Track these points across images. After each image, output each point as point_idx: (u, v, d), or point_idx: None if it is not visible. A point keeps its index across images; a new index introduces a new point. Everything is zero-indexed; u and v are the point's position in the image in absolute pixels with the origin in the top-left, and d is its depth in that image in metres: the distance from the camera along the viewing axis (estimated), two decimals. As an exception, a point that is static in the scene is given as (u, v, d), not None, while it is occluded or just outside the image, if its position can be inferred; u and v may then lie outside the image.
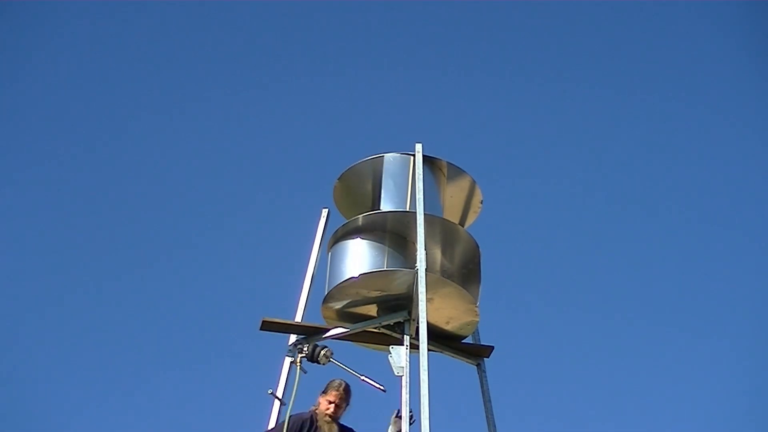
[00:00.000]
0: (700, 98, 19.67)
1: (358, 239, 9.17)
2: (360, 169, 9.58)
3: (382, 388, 8.90)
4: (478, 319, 9.20)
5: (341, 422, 8.74)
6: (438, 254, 9.11)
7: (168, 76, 19.89)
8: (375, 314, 9.10)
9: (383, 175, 9.50)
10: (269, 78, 20.17)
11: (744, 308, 17.33)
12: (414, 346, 8.75)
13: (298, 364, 8.94)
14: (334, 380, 8.78)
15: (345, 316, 9.16)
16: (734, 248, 18.67)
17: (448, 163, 9.59)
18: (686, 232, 19.26)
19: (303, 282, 9.52)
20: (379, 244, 9.13)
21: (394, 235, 9.16)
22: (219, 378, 17.02)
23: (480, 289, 9.14)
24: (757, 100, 17.21)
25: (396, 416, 8.83)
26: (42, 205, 18.95)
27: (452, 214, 9.61)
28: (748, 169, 18.65)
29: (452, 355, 9.30)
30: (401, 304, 8.97)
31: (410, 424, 8.51)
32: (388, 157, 9.54)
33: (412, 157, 9.47)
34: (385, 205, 9.34)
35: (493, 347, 9.38)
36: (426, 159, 9.48)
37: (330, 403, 8.73)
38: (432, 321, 8.82)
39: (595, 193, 19.58)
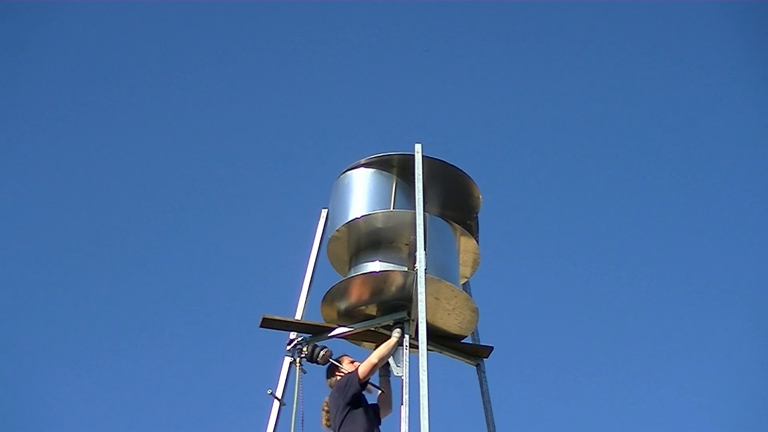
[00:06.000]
0: (700, 98, 19.68)
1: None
2: (360, 168, 9.57)
3: (382, 389, 8.91)
4: (477, 320, 9.19)
5: None
6: (439, 254, 9.09)
7: (167, 76, 19.89)
8: (375, 313, 9.10)
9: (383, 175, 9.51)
10: (269, 78, 20.18)
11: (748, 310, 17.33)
12: (413, 347, 8.75)
13: (298, 364, 8.96)
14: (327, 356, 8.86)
15: (344, 316, 9.16)
16: (736, 253, 18.67)
17: (447, 163, 9.56)
18: (689, 233, 19.27)
19: (302, 282, 9.52)
20: (377, 244, 9.17)
21: (389, 235, 9.18)
22: (218, 378, 17.02)
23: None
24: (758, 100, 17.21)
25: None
26: (40, 203, 18.96)
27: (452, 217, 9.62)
28: (749, 170, 18.66)
29: (451, 355, 9.30)
30: (401, 305, 8.97)
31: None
32: (389, 156, 9.54)
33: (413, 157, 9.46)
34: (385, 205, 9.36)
35: (492, 347, 9.38)
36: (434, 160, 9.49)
37: (352, 362, 8.87)
38: (431, 321, 8.81)
39: (596, 193, 19.58)
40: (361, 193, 9.36)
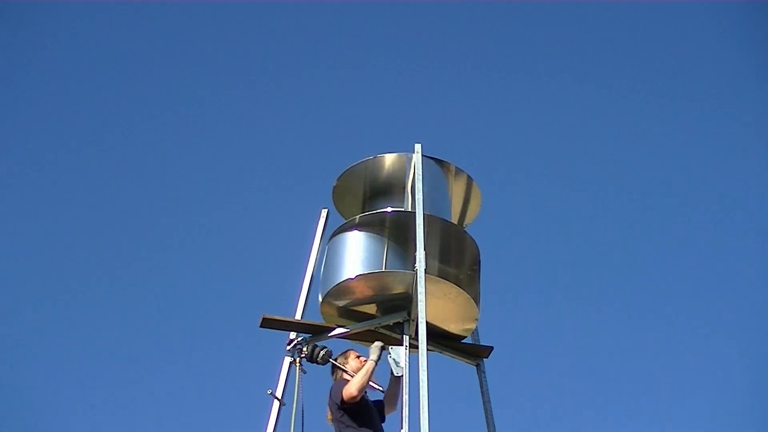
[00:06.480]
0: (700, 98, 19.69)
1: (357, 237, 9.17)
2: (360, 169, 9.59)
3: (380, 388, 8.92)
4: (477, 320, 9.20)
5: None
6: (438, 255, 9.09)
7: (167, 75, 19.90)
8: (375, 312, 9.11)
9: (385, 175, 9.51)
10: (269, 78, 20.18)
11: (747, 315, 17.33)
12: (413, 347, 8.76)
13: (298, 364, 8.96)
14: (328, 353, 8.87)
15: (344, 315, 9.16)
16: (735, 250, 18.67)
17: (446, 163, 9.58)
18: (686, 232, 19.28)
19: (302, 282, 9.52)
20: (378, 244, 9.14)
21: (394, 235, 9.16)
22: (218, 377, 17.03)
23: (479, 290, 9.15)
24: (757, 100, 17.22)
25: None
26: (40, 203, 18.96)
27: (453, 215, 9.61)
28: (748, 169, 18.67)
29: (451, 355, 9.31)
30: (401, 305, 8.98)
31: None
32: (391, 156, 9.54)
33: (412, 157, 9.46)
34: (385, 205, 9.36)
35: (492, 348, 9.38)
36: (435, 160, 9.47)
37: (358, 357, 8.86)
38: (431, 321, 8.82)
39: (596, 192, 19.59)
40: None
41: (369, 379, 8.65)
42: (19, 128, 18.63)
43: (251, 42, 20.13)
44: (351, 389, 8.53)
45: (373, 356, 8.71)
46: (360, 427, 8.53)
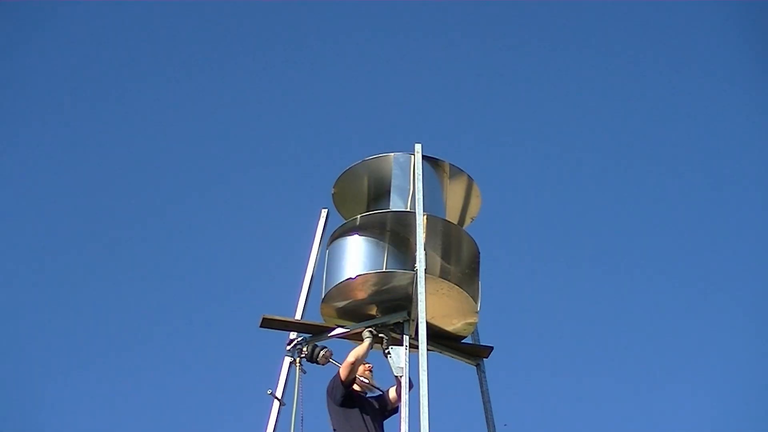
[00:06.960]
0: (701, 98, 19.69)
1: (358, 239, 9.18)
2: (360, 170, 9.59)
3: (380, 390, 8.93)
4: (477, 320, 9.20)
5: None
6: (438, 255, 9.10)
7: (167, 76, 19.90)
8: (375, 313, 9.10)
9: (384, 175, 9.51)
10: (270, 78, 20.19)
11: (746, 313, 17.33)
12: (413, 347, 8.76)
13: (298, 364, 8.97)
14: None
15: (344, 315, 9.16)
16: (736, 252, 18.69)
17: (447, 163, 9.59)
18: (689, 232, 19.28)
19: (302, 282, 9.52)
20: (378, 244, 9.14)
21: (394, 235, 9.16)
22: (218, 377, 17.03)
23: (480, 290, 9.15)
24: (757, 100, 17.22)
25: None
26: (40, 203, 18.97)
27: (452, 215, 9.62)
28: (749, 170, 18.68)
29: (451, 355, 9.31)
30: (401, 305, 8.97)
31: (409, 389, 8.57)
32: (389, 157, 9.55)
33: (411, 157, 9.47)
34: (386, 205, 9.35)
35: (492, 347, 9.38)
36: (428, 159, 9.49)
37: (363, 364, 8.90)
38: (431, 321, 8.82)
39: (596, 192, 19.60)
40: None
41: (359, 358, 8.71)
42: (18, 128, 18.64)
43: (252, 41, 20.14)
44: (341, 368, 8.66)
45: (367, 336, 8.81)
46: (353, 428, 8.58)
